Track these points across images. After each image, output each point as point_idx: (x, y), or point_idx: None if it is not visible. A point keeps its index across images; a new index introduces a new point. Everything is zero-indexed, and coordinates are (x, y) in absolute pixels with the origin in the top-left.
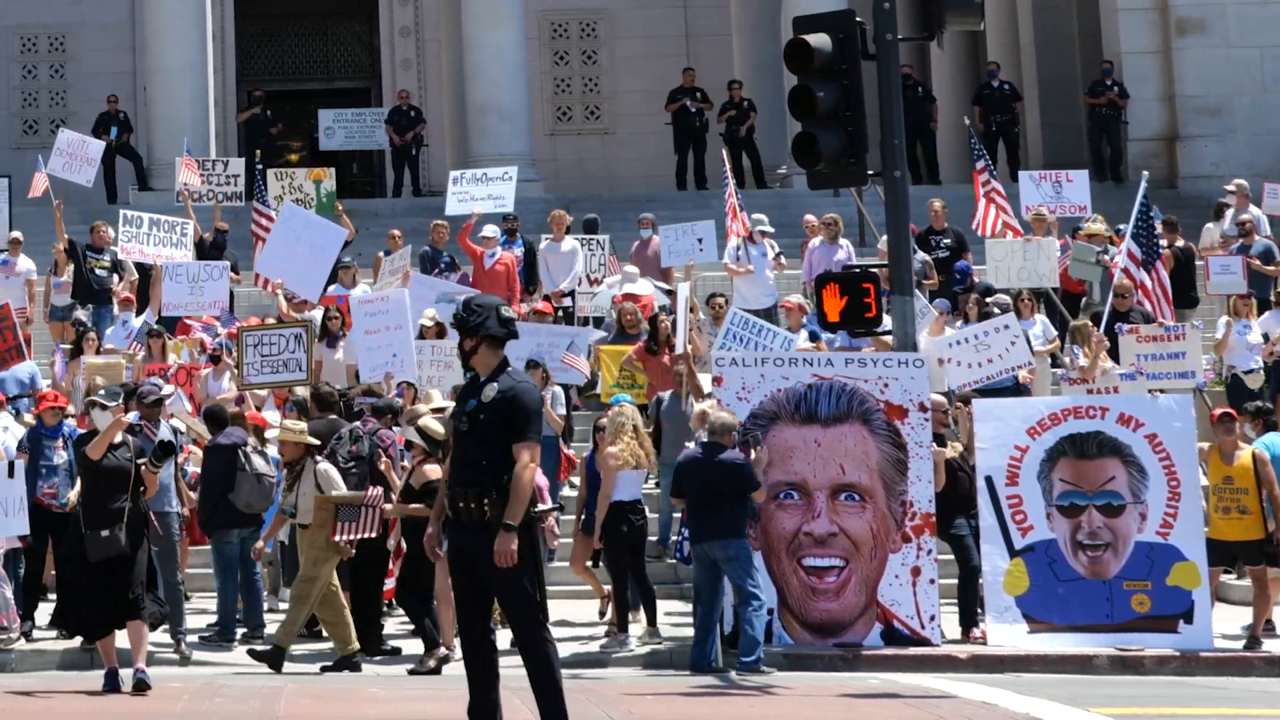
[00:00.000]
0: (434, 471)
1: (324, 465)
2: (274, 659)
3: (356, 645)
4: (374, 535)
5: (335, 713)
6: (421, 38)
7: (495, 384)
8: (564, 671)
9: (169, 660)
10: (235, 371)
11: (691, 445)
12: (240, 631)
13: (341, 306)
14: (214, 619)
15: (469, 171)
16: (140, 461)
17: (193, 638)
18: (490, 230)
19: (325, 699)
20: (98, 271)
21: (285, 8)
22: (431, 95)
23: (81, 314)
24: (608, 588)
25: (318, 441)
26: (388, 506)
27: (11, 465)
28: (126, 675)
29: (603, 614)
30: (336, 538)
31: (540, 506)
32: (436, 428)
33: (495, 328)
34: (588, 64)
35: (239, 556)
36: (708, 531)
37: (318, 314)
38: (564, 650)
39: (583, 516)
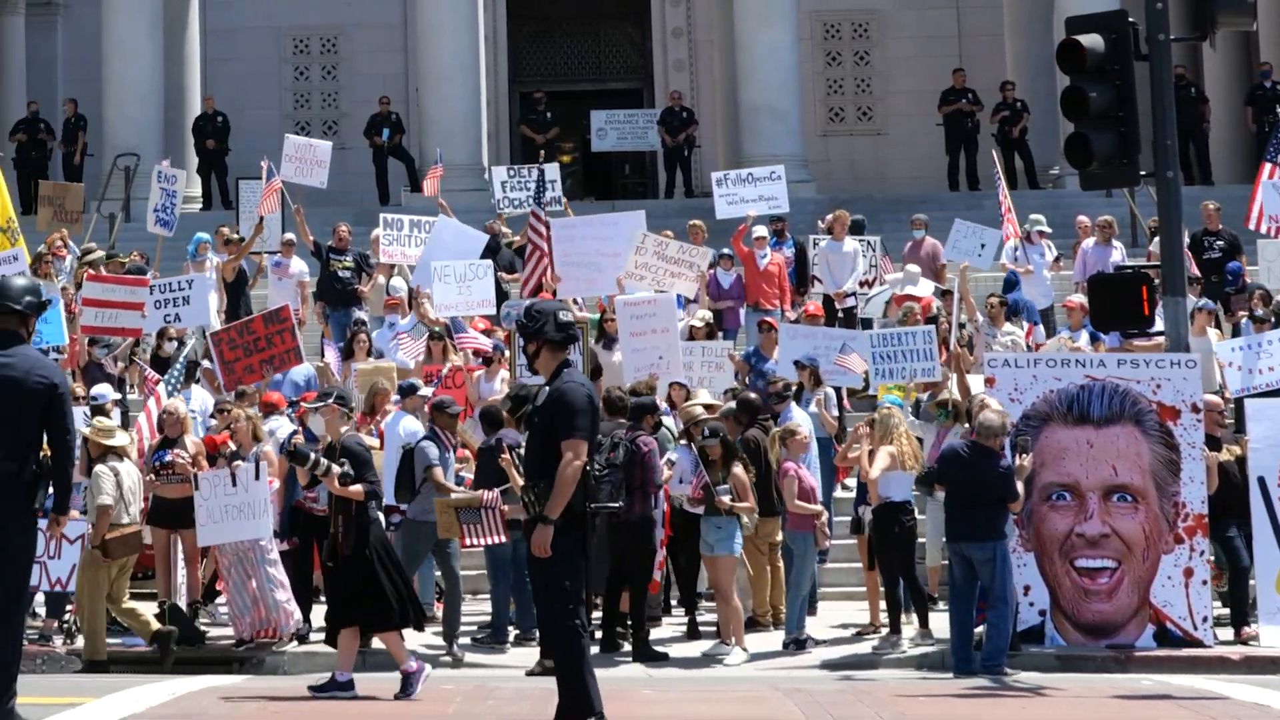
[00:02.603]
0: None
1: (100, 468)
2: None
3: (104, 656)
4: (501, 540)
5: (610, 713)
6: (694, 39)
7: (548, 387)
8: (837, 673)
9: (442, 662)
10: (508, 373)
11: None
12: (513, 633)
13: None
14: (487, 620)
15: (733, 173)
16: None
17: (465, 639)
18: (760, 231)
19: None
20: (340, 273)
21: (557, 9)
22: (704, 96)
23: (361, 314)
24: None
25: (118, 442)
26: (506, 509)
27: (257, 468)
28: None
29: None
30: (466, 541)
31: (812, 507)
32: None
33: (552, 332)
34: (860, 65)
35: (512, 559)
36: (966, 532)
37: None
38: (836, 651)
39: (852, 517)
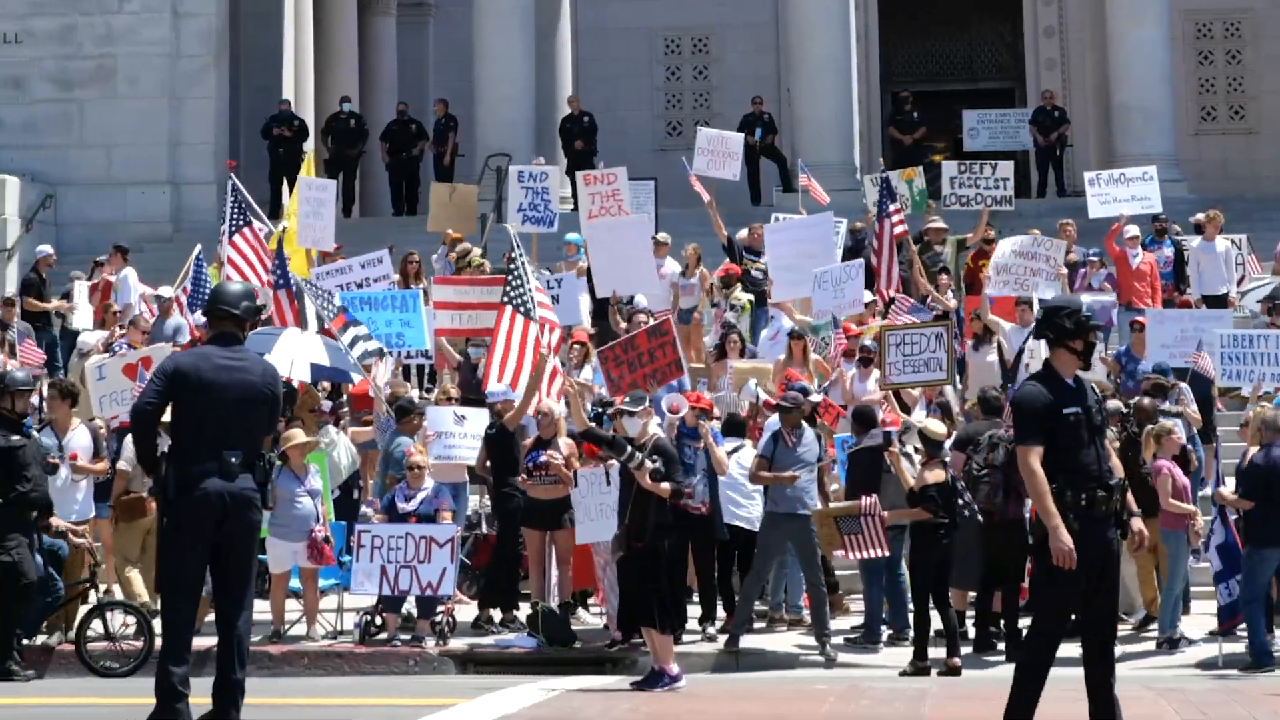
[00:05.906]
0: (937, 475)
1: None
2: None
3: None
4: (884, 554)
5: (982, 714)
6: (1065, 38)
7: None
8: (1211, 672)
9: (814, 662)
10: (880, 372)
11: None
12: (886, 634)
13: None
14: (860, 620)
15: (1105, 173)
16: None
17: (839, 639)
18: (1133, 230)
19: (971, 699)
20: (754, 273)
21: (928, 7)
22: (1075, 95)
23: (730, 316)
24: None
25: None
26: (886, 514)
27: (608, 474)
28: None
29: None
30: (849, 554)
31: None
32: (938, 429)
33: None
34: (1231, 64)
35: (884, 559)
36: (1266, 534)
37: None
38: (1211, 650)
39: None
